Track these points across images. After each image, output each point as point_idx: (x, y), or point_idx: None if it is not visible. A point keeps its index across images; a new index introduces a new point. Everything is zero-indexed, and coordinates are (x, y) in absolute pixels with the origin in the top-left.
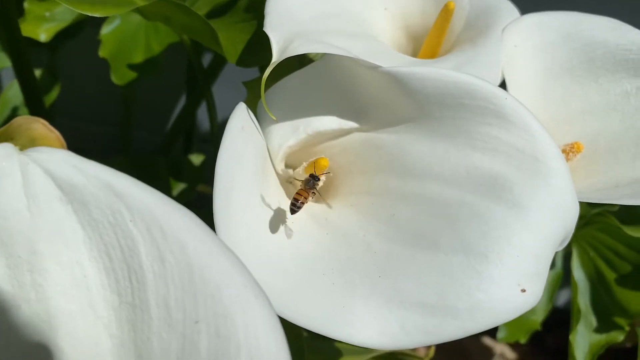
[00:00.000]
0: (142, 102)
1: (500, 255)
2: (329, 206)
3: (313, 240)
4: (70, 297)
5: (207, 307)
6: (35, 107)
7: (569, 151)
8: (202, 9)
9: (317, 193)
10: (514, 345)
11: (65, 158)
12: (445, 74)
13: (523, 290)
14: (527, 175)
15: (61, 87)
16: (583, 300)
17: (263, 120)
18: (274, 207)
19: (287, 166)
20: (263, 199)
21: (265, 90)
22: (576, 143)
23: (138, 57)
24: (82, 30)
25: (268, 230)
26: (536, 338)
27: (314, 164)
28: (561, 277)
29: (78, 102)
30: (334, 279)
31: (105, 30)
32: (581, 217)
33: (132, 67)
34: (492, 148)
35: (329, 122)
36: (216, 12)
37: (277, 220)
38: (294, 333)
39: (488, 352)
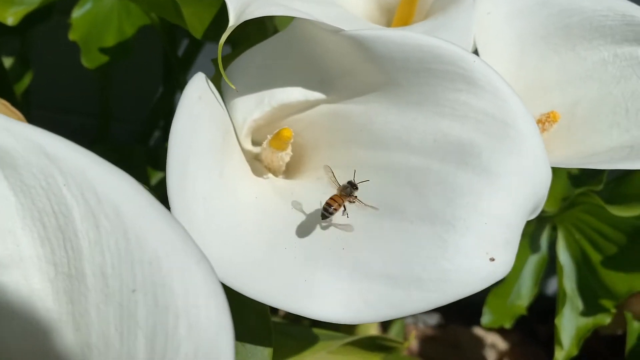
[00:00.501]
0: (120, 91)
1: (467, 223)
2: (375, 208)
3: (276, 215)
4: (2, 269)
5: (145, 275)
6: (5, 96)
7: (545, 121)
8: None
9: (355, 201)
10: (505, 336)
11: None
12: (411, 36)
13: (492, 260)
14: (496, 140)
15: (36, 79)
16: (569, 284)
17: (227, 94)
18: (237, 183)
19: (254, 143)
20: (223, 174)
21: (230, 63)
22: (552, 112)
23: (110, 41)
24: (51, 16)
25: (229, 204)
26: (527, 328)
27: (277, 135)
28: (547, 262)
29: (54, 93)
30: (296, 253)
31: (76, 13)
32: (565, 198)
33: (103, 50)
34: (461, 114)
35: (294, 94)
36: None
37: (239, 195)
38: (259, 313)
39: (479, 343)
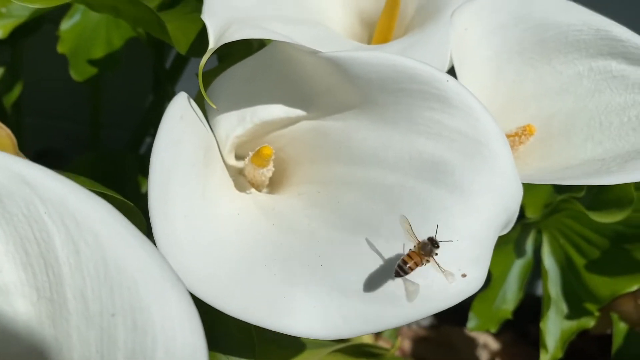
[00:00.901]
0: (111, 98)
1: (439, 240)
2: (452, 274)
3: (258, 231)
4: None
5: (124, 300)
6: None
7: (522, 134)
8: (153, 1)
9: (432, 261)
10: (497, 336)
11: None
12: (385, 57)
13: (464, 276)
14: (469, 158)
15: (28, 87)
16: (554, 288)
17: (210, 111)
18: (219, 199)
19: (238, 157)
20: (205, 191)
21: (215, 77)
22: (528, 125)
23: (98, 52)
24: (42, 27)
25: (210, 221)
26: (519, 328)
27: (258, 153)
28: (532, 266)
29: (46, 101)
30: (275, 270)
31: (64, 25)
32: (548, 205)
33: (92, 62)
34: (435, 132)
35: (276, 111)
36: (168, 4)
37: (221, 212)
38: (242, 326)
39: (472, 343)
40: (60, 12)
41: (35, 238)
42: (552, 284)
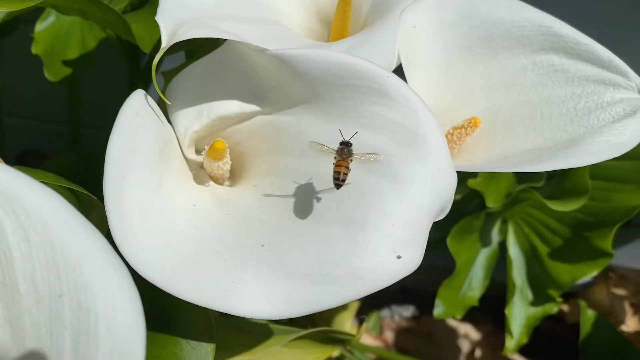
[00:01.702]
0: (91, 97)
1: (376, 224)
2: (377, 154)
3: (212, 221)
4: None
5: (70, 282)
6: None
7: (467, 126)
8: (121, 3)
9: (359, 156)
10: (478, 326)
11: None
12: (329, 55)
13: (399, 257)
14: (406, 149)
15: (5, 87)
16: (519, 275)
17: (169, 108)
18: (175, 191)
19: (198, 152)
20: (161, 184)
21: (173, 77)
22: (473, 118)
23: (73, 53)
24: (17, 28)
25: (165, 213)
26: (499, 317)
27: (212, 147)
28: (498, 255)
29: (25, 100)
30: (226, 256)
31: (39, 27)
32: (508, 194)
33: (66, 63)
34: (377, 125)
35: (231, 107)
36: (136, 4)
37: (176, 204)
38: (201, 311)
39: (453, 333)
40: (36, 13)
41: None
42: (517, 272)
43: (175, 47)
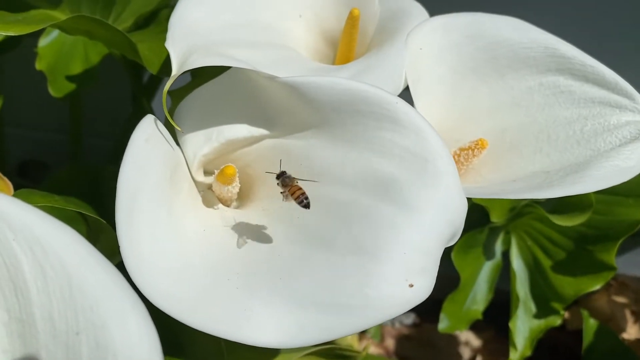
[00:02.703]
0: (93, 108)
1: (388, 253)
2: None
3: (222, 247)
4: None
5: (87, 319)
6: None
7: (475, 147)
8: (127, 21)
9: (297, 179)
10: (479, 333)
11: None
12: (338, 82)
13: (411, 286)
14: (416, 175)
15: (8, 97)
16: (522, 288)
17: (178, 131)
18: (185, 217)
19: (207, 173)
20: (171, 210)
21: (187, 94)
22: (480, 140)
23: (76, 69)
24: (20, 43)
25: (176, 240)
26: (500, 324)
27: (222, 172)
28: (501, 267)
29: (26, 111)
30: (238, 284)
31: (42, 42)
32: (512, 209)
33: (70, 78)
34: (387, 151)
35: (240, 130)
36: (140, 24)
37: (187, 230)
38: (210, 336)
39: (454, 340)
40: None
41: (5, 263)
42: (520, 285)
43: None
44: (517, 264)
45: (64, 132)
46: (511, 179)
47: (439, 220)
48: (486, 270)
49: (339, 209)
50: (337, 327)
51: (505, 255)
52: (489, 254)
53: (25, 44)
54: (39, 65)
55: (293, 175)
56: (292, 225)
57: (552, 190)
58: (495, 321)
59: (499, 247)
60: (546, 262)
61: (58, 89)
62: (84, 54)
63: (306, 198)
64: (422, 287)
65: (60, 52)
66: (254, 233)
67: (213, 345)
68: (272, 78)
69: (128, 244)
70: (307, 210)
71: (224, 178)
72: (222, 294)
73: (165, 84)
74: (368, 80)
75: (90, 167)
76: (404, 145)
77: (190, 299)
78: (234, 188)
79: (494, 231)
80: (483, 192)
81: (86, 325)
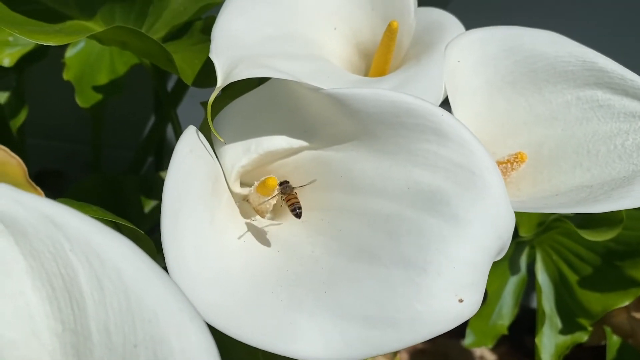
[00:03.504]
0: (114, 119)
1: (437, 267)
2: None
3: (263, 258)
4: (13, 326)
5: (145, 332)
6: (1, 131)
7: (514, 161)
8: (159, 32)
9: (295, 191)
10: (494, 348)
11: (5, 192)
12: (384, 94)
13: (461, 301)
14: (463, 188)
15: (30, 108)
16: (548, 303)
17: (216, 142)
18: (226, 228)
19: (243, 184)
20: (213, 220)
21: (220, 106)
22: (520, 153)
23: (103, 79)
24: (47, 53)
25: (218, 250)
26: (514, 340)
27: (263, 183)
28: (526, 281)
29: (48, 122)
30: (282, 296)
31: (69, 53)
32: (541, 223)
33: (96, 88)
34: (432, 163)
35: (279, 142)
36: (173, 35)
37: (227, 241)
38: (249, 351)
39: (468, 355)
40: None
41: (61, 273)
42: (546, 300)
43: (212, 79)
44: (543, 278)
45: (82, 142)
46: (553, 194)
47: (487, 234)
48: (511, 285)
49: (382, 221)
50: (384, 342)
51: (530, 269)
52: (514, 268)
53: (50, 56)
54: (66, 76)
55: (293, 187)
56: (334, 238)
57: (599, 205)
58: (510, 336)
59: (523, 261)
60: (572, 278)
61: (85, 99)
62: (110, 64)
63: (299, 207)
64: (472, 302)
65: (87, 62)
66: (294, 245)
67: (250, 356)
68: (315, 89)
69: (173, 255)
70: (350, 222)
71: (265, 189)
72: (266, 306)
73: (190, 91)
74: (408, 92)
75: (111, 177)
76: (450, 158)
77: (235, 312)
78: (273, 199)
79: (520, 245)
80: (526, 206)
81: (144, 338)
